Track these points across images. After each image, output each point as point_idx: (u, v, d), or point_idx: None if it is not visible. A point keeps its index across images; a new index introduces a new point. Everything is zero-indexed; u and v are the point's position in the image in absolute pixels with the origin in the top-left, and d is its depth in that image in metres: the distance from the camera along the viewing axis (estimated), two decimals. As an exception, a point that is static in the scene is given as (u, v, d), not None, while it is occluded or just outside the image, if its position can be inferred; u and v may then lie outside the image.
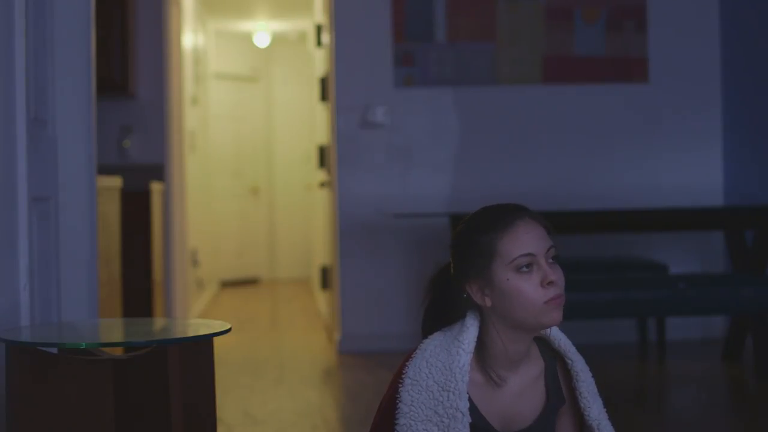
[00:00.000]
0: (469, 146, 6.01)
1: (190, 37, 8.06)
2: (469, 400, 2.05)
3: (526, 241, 2.03)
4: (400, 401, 2.06)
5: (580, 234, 5.56)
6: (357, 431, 4.05)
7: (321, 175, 6.43)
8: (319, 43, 7.20)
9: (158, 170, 6.25)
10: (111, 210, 4.85)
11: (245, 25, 10.40)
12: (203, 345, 2.49)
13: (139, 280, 5.54)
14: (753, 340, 5.04)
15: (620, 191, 5.98)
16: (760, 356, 4.95)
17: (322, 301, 7.38)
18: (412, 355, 2.10)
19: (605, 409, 2.15)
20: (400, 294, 5.92)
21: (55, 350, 2.63)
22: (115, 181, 5.03)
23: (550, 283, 2.02)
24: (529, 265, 2.03)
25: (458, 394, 2.03)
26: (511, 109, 6.04)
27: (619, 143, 6.06)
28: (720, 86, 6.10)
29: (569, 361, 2.14)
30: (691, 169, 6.07)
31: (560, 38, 6.02)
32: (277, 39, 10.96)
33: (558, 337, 2.15)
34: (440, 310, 2.17)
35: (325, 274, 7.09)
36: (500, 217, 2.07)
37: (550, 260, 2.04)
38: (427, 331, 2.16)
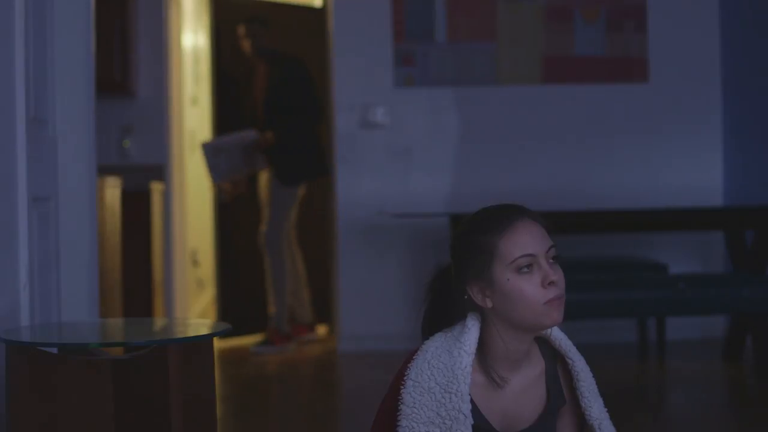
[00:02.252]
0: (469, 146, 6.01)
1: (190, 37, 8.06)
2: (471, 401, 2.05)
3: (526, 241, 2.03)
4: (401, 403, 2.06)
5: (580, 234, 5.56)
6: (356, 431, 4.05)
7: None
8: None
9: (158, 170, 6.24)
10: (111, 210, 4.85)
11: (245, 25, 10.38)
12: (203, 345, 2.49)
13: (139, 280, 5.54)
14: (753, 340, 5.04)
15: (620, 191, 5.98)
16: (760, 356, 4.95)
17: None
18: (414, 357, 2.10)
19: (606, 409, 2.15)
20: (400, 294, 5.91)
21: (55, 350, 2.63)
22: (115, 181, 5.02)
23: (551, 283, 2.01)
24: (529, 266, 2.02)
25: (460, 395, 2.03)
26: (511, 109, 6.04)
27: (619, 143, 6.06)
28: (720, 86, 6.10)
29: (570, 361, 2.14)
30: (691, 169, 6.07)
31: (560, 38, 6.02)
32: (277, 39, 10.93)
33: (558, 337, 2.15)
34: (440, 311, 2.16)
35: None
36: (500, 217, 2.06)
37: (551, 260, 2.04)
38: (427, 332, 2.16)
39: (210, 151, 6.17)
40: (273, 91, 6.14)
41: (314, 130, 6.22)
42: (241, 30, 6.24)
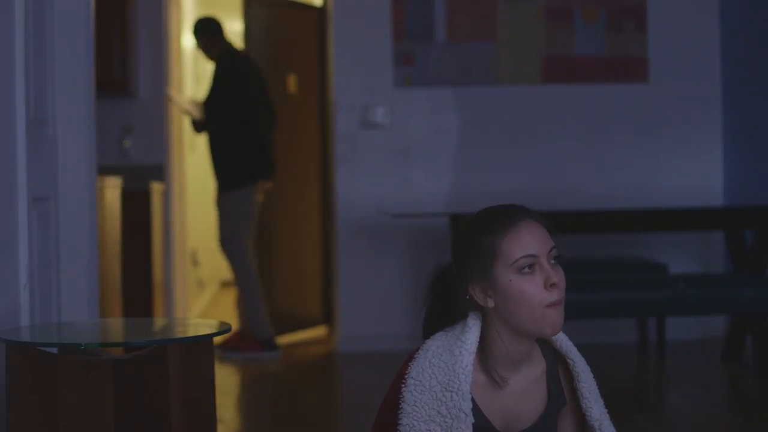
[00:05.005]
0: (469, 146, 6.01)
1: (190, 37, 8.06)
2: (472, 400, 2.05)
3: (528, 241, 2.03)
4: (403, 401, 2.06)
5: (580, 234, 5.56)
6: (357, 431, 4.05)
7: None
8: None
9: (158, 170, 6.24)
10: (111, 210, 4.85)
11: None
12: (203, 345, 2.49)
13: (139, 280, 5.54)
14: (753, 340, 5.04)
15: (620, 191, 5.98)
16: (760, 356, 4.95)
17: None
18: (415, 356, 2.10)
19: (606, 410, 2.15)
20: (400, 294, 5.91)
21: (55, 350, 2.63)
22: (115, 181, 5.02)
23: (553, 285, 2.01)
24: (531, 266, 2.02)
25: (461, 394, 2.03)
26: (511, 109, 6.04)
27: (619, 143, 6.06)
28: (720, 86, 6.10)
29: (570, 362, 2.14)
30: (691, 169, 6.07)
31: (560, 38, 6.02)
32: (277, 39, 10.94)
33: (559, 338, 2.15)
34: (442, 311, 2.16)
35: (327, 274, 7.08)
36: (502, 217, 2.06)
37: (552, 261, 2.04)
38: (428, 332, 2.16)
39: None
40: (210, 89, 5.98)
41: (256, 134, 5.95)
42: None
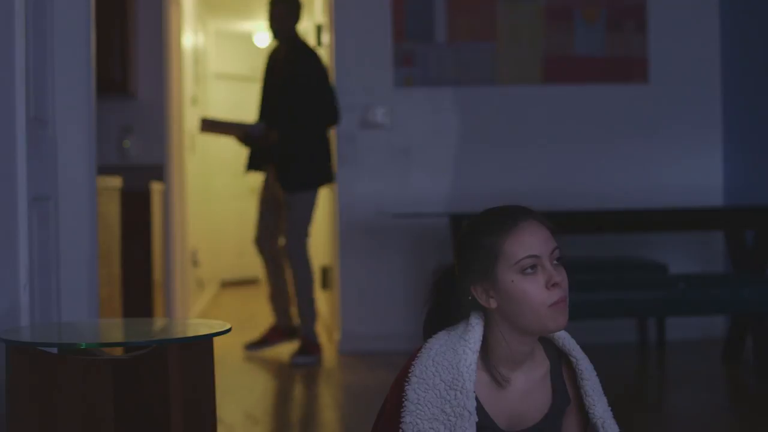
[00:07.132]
0: (469, 146, 6.01)
1: (190, 37, 8.06)
2: (476, 399, 2.05)
3: (530, 242, 2.03)
4: (406, 399, 2.06)
5: (580, 234, 5.56)
6: (357, 431, 4.05)
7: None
8: (319, 43, 7.20)
9: (158, 170, 6.24)
10: (111, 210, 4.85)
11: (245, 25, 10.40)
12: (203, 345, 2.49)
13: (139, 280, 5.53)
14: (753, 340, 5.04)
15: (620, 191, 5.98)
16: (760, 356, 4.95)
17: (322, 301, 7.39)
18: (418, 354, 2.10)
19: (610, 408, 2.15)
20: (400, 294, 5.91)
21: (55, 350, 2.63)
22: (115, 181, 5.02)
23: (555, 284, 2.01)
24: (533, 267, 2.02)
25: (466, 393, 2.03)
26: (511, 109, 6.04)
27: (619, 143, 6.07)
28: (720, 86, 6.10)
29: (574, 360, 2.14)
30: (691, 169, 6.08)
31: (560, 38, 6.02)
32: (277, 39, 10.95)
33: (562, 336, 2.15)
34: (444, 311, 2.17)
35: (325, 274, 7.09)
36: (505, 218, 2.06)
37: (555, 262, 2.04)
38: (429, 332, 2.16)
39: (208, 126, 5.94)
40: (293, 81, 5.69)
41: (325, 132, 5.77)
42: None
